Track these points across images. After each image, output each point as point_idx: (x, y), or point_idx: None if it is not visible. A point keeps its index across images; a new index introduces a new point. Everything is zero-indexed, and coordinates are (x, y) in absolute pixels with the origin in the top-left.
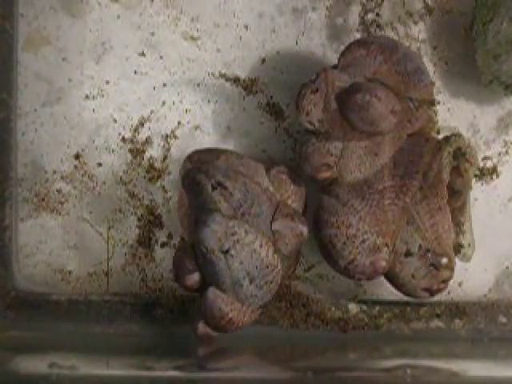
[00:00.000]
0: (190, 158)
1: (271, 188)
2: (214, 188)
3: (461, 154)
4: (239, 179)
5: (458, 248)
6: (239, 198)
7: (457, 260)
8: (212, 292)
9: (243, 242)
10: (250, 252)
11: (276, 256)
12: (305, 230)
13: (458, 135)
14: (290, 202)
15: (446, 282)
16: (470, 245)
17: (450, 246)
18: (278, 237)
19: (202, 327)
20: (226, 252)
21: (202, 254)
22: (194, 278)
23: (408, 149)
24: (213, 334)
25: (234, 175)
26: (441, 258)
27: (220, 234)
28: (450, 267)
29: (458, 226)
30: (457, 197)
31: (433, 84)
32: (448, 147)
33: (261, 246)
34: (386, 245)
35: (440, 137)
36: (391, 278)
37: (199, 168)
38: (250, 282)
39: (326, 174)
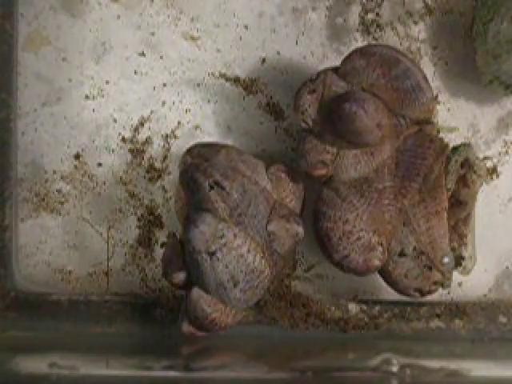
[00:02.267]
0: (190, 151)
1: (269, 187)
2: (211, 188)
3: (469, 165)
4: (237, 179)
5: (458, 260)
6: (236, 198)
7: (456, 273)
8: (196, 292)
9: (231, 245)
10: (237, 256)
11: (264, 261)
12: (300, 230)
13: (468, 145)
14: (287, 200)
15: (437, 284)
16: (471, 257)
17: (444, 250)
18: (274, 238)
19: (186, 327)
20: (212, 254)
21: (189, 253)
22: (180, 277)
23: (411, 149)
24: (197, 333)
25: (232, 174)
26: (434, 262)
27: (208, 236)
28: (441, 271)
29: (461, 237)
30: (461, 208)
31: (433, 100)
32: (456, 156)
33: (248, 251)
34: (381, 244)
35: (441, 136)
36: (384, 275)
37: (197, 166)
38: (234, 286)
39: (321, 171)
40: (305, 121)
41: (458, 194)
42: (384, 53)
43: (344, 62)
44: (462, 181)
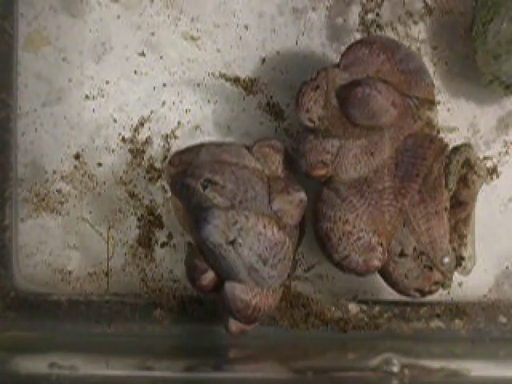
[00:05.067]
0: (171, 162)
1: (259, 166)
2: (204, 187)
3: (469, 166)
4: (226, 169)
5: (458, 260)
6: (232, 188)
7: (456, 273)
8: (229, 286)
9: (246, 227)
10: (256, 235)
11: (282, 232)
12: (302, 195)
13: (468, 146)
14: (279, 171)
15: (437, 284)
16: (471, 258)
17: (444, 250)
18: (281, 214)
19: (233, 325)
20: (233, 242)
21: (210, 251)
22: (209, 276)
23: (411, 149)
24: (246, 328)
25: (219, 168)
26: (435, 262)
27: (222, 227)
28: (442, 271)
29: (461, 238)
30: (462, 208)
31: (433, 85)
32: (457, 156)
33: (264, 226)
34: (381, 244)
35: (441, 136)
36: (384, 275)
37: (184, 172)
38: (264, 264)
39: (321, 172)
40: (310, 119)
41: (458, 195)
42: (384, 40)
43: (345, 54)
44: (463, 181)
